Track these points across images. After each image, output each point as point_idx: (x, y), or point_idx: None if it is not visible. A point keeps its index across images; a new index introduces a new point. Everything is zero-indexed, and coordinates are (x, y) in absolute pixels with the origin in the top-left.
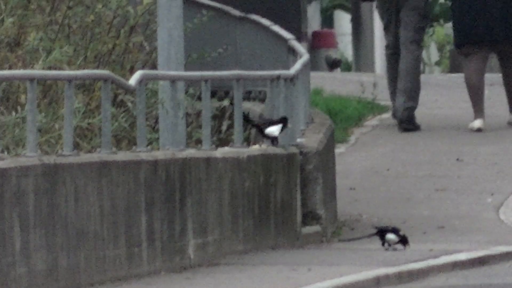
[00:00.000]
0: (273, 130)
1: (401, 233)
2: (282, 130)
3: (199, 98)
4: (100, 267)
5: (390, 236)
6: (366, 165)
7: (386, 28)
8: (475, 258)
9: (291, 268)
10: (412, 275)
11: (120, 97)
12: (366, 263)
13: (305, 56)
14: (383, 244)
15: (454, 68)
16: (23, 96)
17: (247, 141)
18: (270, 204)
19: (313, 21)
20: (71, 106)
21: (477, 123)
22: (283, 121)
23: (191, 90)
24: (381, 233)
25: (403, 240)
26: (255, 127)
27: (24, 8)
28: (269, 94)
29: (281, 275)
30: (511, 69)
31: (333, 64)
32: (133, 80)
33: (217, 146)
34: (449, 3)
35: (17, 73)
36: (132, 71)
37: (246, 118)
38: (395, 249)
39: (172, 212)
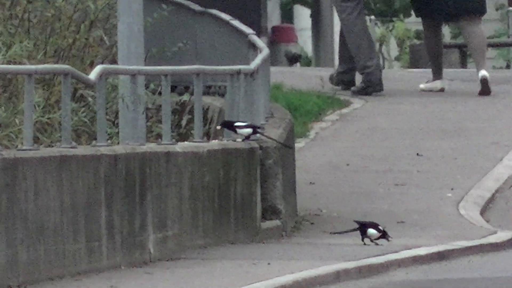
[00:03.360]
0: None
1: (380, 227)
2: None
3: (159, 93)
4: (60, 262)
5: (372, 231)
6: (326, 160)
7: None
8: (434, 253)
9: (251, 262)
10: (372, 270)
11: (80, 91)
12: (326, 258)
13: (265, 51)
14: (362, 240)
15: (413, 63)
16: None
17: (207, 136)
18: (230, 199)
19: (273, 16)
20: (31, 100)
21: (440, 84)
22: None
23: (151, 85)
24: (362, 228)
25: (384, 235)
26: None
27: None
28: (229, 89)
29: (241, 270)
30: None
31: (292, 59)
32: (93, 75)
33: (177, 141)
34: None
35: None
36: (92, 65)
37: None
38: (376, 244)
39: (132, 206)
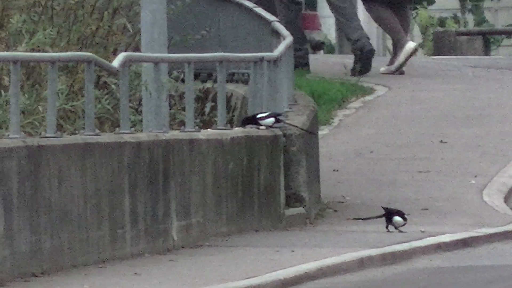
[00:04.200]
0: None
1: (406, 216)
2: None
3: (183, 80)
4: (84, 249)
5: (398, 219)
6: (349, 147)
7: None
8: (458, 240)
9: (275, 250)
10: (396, 257)
11: (103, 79)
12: (349, 245)
13: (288, 38)
14: (387, 227)
15: (437, 50)
16: (6, 78)
17: (230, 123)
18: (253, 186)
19: None
20: (54, 88)
21: (411, 44)
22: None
23: (174, 73)
24: (389, 215)
25: (404, 222)
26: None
27: None
28: (252, 76)
29: (264, 257)
30: (401, 18)
31: (316, 46)
32: (116, 62)
33: (200, 128)
34: None
35: (0, 55)
36: (115, 53)
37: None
38: (400, 231)
39: (155, 194)
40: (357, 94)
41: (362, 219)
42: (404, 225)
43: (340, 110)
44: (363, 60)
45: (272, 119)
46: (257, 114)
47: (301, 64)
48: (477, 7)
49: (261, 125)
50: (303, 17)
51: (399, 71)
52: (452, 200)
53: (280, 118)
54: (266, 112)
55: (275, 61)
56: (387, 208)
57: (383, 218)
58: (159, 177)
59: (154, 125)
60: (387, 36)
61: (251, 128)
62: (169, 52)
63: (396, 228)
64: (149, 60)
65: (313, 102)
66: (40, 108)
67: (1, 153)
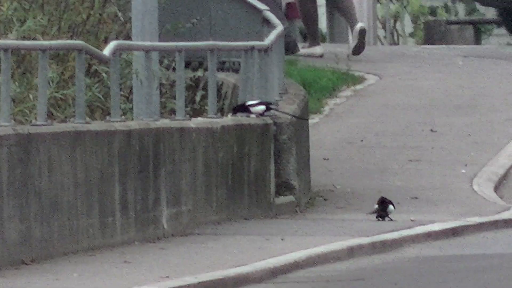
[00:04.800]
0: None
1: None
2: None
3: (173, 69)
4: (74, 237)
5: (392, 208)
6: (340, 136)
7: None
8: (448, 229)
9: (265, 238)
10: (386, 246)
11: (94, 67)
12: (339, 233)
13: (279, 27)
14: (381, 216)
15: (428, 39)
16: None
17: (221, 112)
18: (243, 175)
19: None
20: (45, 76)
21: (319, 49)
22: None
23: (165, 61)
24: (384, 204)
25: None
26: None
27: None
28: (243, 65)
29: (254, 245)
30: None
31: (307, 35)
32: (107, 51)
33: (191, 117)
34: None
35: None
36: (106, 41)
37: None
38: (391, 219)
39: (145, 182)
40: (347, 82)
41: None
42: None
43: (331, 98)
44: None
45: (262, 107)
46: (247, 101)
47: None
48: None
49: (252, 113)
50: (293, 6)
51: (354, 52)
52: (442, 189)
53: (271, 106)
54: (257, 100)
55: (265, 50)
56: (385, 198)
57: (378, 205)
58: (149, 165)
59: (145, 114)
60: (379, 25)
61: (242, 116)
62: (160, 41)
63: (387, 215)
64: (140, 48)
65: (303, 91)
66: (31, 96)
67: None
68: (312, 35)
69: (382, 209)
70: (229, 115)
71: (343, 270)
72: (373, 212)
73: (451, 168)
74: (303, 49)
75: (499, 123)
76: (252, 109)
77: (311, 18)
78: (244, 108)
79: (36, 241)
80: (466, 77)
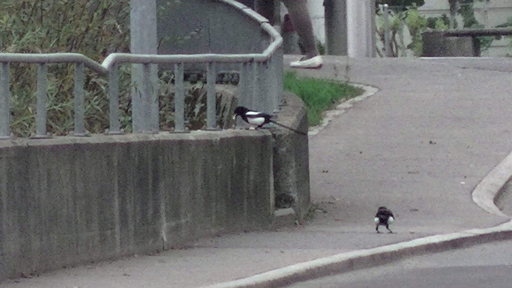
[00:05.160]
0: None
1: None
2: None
3: (172, 81)
4: (73, 250)
5: (392, 219)
6: (339, 148)
7: None
8: (448, 241)
9: (264, 250)
10: (385, 258)
11: (93, 80)
12: (339, 246)
13: (278, 39)
14: (377, 228)
15: (427, 51)
16: None
17: (220, 124)
18: (243, 187)
19: None
20: (43, 88)
21: (318, 59)
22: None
23: (164, 73)
24: (383, 215)
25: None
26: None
27: None
28: (242, 77)
29: (254, 258)
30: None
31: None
32: (106, 63)
33: (190, 129)
34: None
35: None
36: (105, 54)
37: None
38: (390, 232)
39: (145, 194)
40: (346, 94)
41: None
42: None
43: (330, 110)
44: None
45: (261, 119)
46: (249, 110)
47: None
48: (467, 8)
49: (248, 122)
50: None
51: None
52: (442, 201)
53: (271, 119)
54: (257, 111)
55: (264, 62)
56: (385, 209)
57: (379, 218)
58: (148, 178)
59: (144, 126)
60: (377, 37)
61: (240, 126)
62: (158, 53)
63: (387, 228)
64: (139, 60)
65: (302, 103)
66: (30, 109)
67: None
68: (309, 45)
69: (383, 219)
70: (233, 116)
71: (342, 282)
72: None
73: (451, 180)
74: (303, 61)
75: (498, 135)
76: (250, 120)
77: (305, 27)
78: (243, 115)
79: (35, 254)
80: (465, 88)
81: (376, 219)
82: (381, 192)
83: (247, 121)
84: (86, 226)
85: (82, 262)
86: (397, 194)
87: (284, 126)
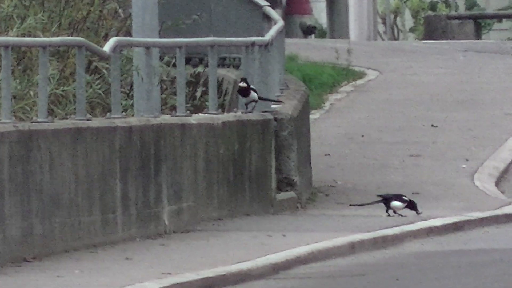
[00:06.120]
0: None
1: (405, 198)
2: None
3: (174, 65)
4: (75, 234)
5: (396, 204)
6: (340, 132)
7: None
8: (449, 224)
9: (266, 234)
10: (387, 241)
11: (94, 64)
12: (341, 229)
13: (279, 23)
14: (387, 211)
15: (428, 34)
16: None
17: (222, 108)
18: (245, 171)
19: None
20: (45, 73)
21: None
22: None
23: (166, 57)
24: (386, 201)
25: (410, 205)
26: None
27: None
28: (243, 61)
29: (256, 241)
30: None
31: (307, 31)
32: (107, 47)
33: (191, 113)
34: None
35: None
36: (106, 38)
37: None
38: (400, 215)
39: (147, 178)
40: (348, 78)
41: (359, 205)
42: (404, 207)
43: (332, 94)
44: None
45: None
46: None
47: None
48: None
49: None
50: (294, 1)
51: None
52: (443, 184)
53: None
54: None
55: (266, 46)
56: (383, 195)
57: (382, 203)
58: (150, 161)
59: (146, 110)
60: (379, 21)
61: (243, 111)
62: (160, 37)
63: (395, 212)
64: (140, 44)
65: (304, 86)
66: (31, 93)
67: None
68: None
69: (387, 206)
70: (230, 113)
71: (344, 265)
72: (357, 205)
73: (452, 163)
74: None
75: (499, 118)
76: (251, 94)
77: None
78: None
79: (37, 238)
80: (466, 72)
81: (396, 203)
82: (382, 175)
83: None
84: (88, 210)
85: (84, 246)
86: (399, 177)
87: (264, 99)
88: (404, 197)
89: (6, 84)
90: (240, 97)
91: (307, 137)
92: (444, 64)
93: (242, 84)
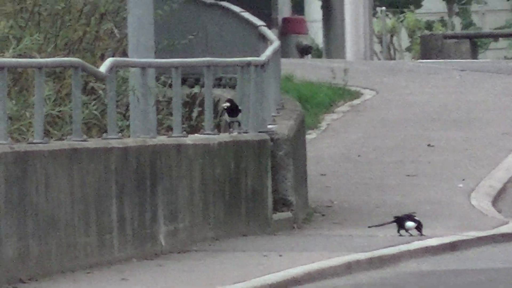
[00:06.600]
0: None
1: (416, 218)
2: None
3: (170, 86)
4: (71, 254)
5: (410, 224)
6: (337, 151)
7: None
8: (446, 244)
9: (262, 254)
10: (383, 261)
11: (90, 84)
12: (337, 249)
13: (275, 43)
14: (398, 231)
15: (424, 54)
16: None
17: (218, 128)
18: (241, 191)
19: (284, 8)
20: (41, 93)
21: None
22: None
23: (162, 78)
24: (399, 221)
25: (419, 226)
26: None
27: None
28: (239, 81)
29: (252, 261)
30: None
31: (303, 51)
32: (103, 68)
33: (187, 133)
34: None
35: None
36: (102, 58)
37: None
38: (411, 235)
39: (143, 199)
40: (344, 98)
41: (376, 226)
42: (415, 228)
43: (328, 114)
44: None
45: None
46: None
47: None
48: (465, 10)
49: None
50: (290, 21)
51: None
52: (440, 204)
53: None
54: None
55: (262, 66)
56: (397, 216)
57: (395, 224)
58: (146, 182)
59: (142, 130)
60: (375, 40)
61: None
62: (156, 57)
63: (407, 231)
64: (136, 65)
65: (300, 106)
66: (28, 114)
67: None
68: None
69: (399, 226)
70: (226, 133)
71: (341, 285)
72: (378, 225)
73: (449, 183)
74: None
75: (496, 137)
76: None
77: None
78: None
79: (33, 259)
80: (462, 91)
81: (410, 223)
82: (379, 195)
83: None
84: (84, 231)
85: (80, 266)
86: (395, 197)
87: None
88: (415, 217)
89: (2, 105)
90: (227, 116)
91: (304, 157)
92: (441, 84)
93: (227, 104)
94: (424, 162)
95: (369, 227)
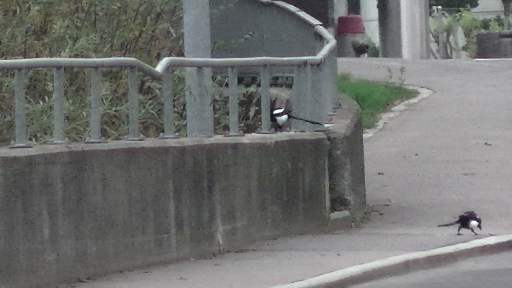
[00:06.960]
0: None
1: (477, 216)
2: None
3: (226, 85)
4: (129, 254)
5: (474, 223)
6: (394, 150)
7: None
8: (504, 242)
9: (320, 253)
10: (441, 259)
11: (147, 84)
12: (395, 248)
13: (331, 42)
14: (458, 230)
15: (481, 52)
16: (50, 84)
17: (275, 127)
18: (298, 190)
19: (340, 7)
20: (98, 93)
21: None
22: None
23: (218, 77)
24: (464, 220)
25: (480, 225)
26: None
27: None
28: (296, 80)
29: (310, 261)
30: None
31: (360, 50)
32: (160, 67)
33: (244, 132)
34: None
35: (44, 61)
36: (158, 58)
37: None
38: (475, 234)
39: (200, 198)
40: (401, 97)
41: (445, 225)
42: (478, 226)
43: (385, 113)
44: None
45: (285, 116)
46: (275, 109)
47: None
48: None
49: (277, 123)
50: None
51: None
52: (497, 203)
53: (291, 114)
54: (281, 109)
55: (318, 65)
56: (461, 215)
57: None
58: (203, 181)
59: (198, 130)
60: (432, 39)
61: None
62: (212, 56)
63: (472, 230)
64: (192, 64)
65: (357, 105)
66: (84, 114)
67: (45, 159)
68: None
69: (462, 224)
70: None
71: (398, 284)
72: (447, 225)
73: (506, 182)
74: None
75: None
76: (278, 118)
77: None
78: (271, 117)
79: (91, 259)
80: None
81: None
82: (436, 194)
83: (275, 120)
84: (142, 230)
85: (138, 266)
86: (453, 196)
87: (300, 119)
88: (476, 216)
89: (59, 104)
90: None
91: (361, 156)
92: (497, 82)
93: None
94: (481, 161)
95: (438, 226)
